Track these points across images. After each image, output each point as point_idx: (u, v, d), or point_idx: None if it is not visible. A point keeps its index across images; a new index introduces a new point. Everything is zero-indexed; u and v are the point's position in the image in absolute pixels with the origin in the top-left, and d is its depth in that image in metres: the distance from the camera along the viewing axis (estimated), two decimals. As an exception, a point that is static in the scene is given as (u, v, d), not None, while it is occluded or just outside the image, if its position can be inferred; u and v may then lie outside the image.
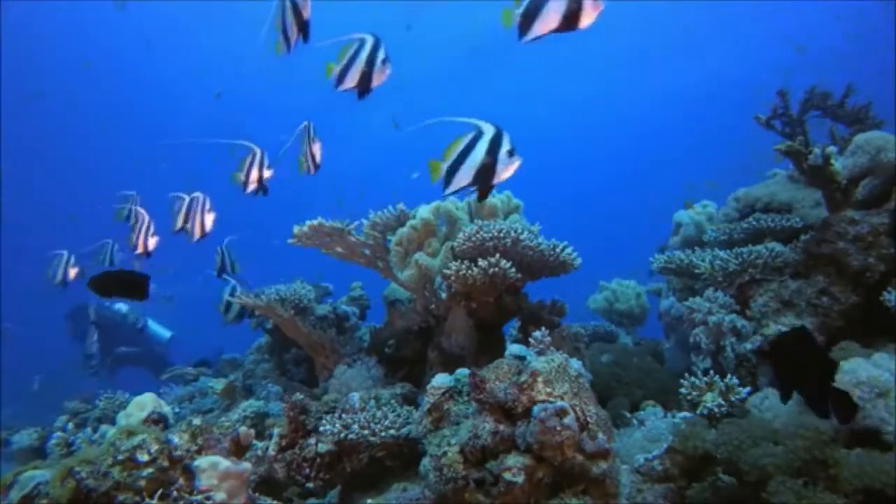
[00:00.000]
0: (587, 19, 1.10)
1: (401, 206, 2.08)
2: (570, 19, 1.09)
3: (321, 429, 1.55)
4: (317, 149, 1.68)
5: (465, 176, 1.21)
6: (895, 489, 0.98)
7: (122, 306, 4.42)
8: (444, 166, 1.22)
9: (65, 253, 2.26)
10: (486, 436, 1.19)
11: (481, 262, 1.73)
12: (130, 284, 1.68)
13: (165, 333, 4.57)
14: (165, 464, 0.98)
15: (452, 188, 1.24)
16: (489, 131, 1.20)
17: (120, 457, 0.95)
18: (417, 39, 11.34)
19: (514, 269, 1.74)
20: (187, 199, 1.86)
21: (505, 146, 1.20)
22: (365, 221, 2.06)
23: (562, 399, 1.17)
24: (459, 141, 1.22)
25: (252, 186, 1.76)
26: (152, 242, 1.92)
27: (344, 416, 1.59)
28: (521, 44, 1.15)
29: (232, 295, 2.31)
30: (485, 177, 1.21)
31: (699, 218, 2.50)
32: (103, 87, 11.40)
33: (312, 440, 1.57)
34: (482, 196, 1.28)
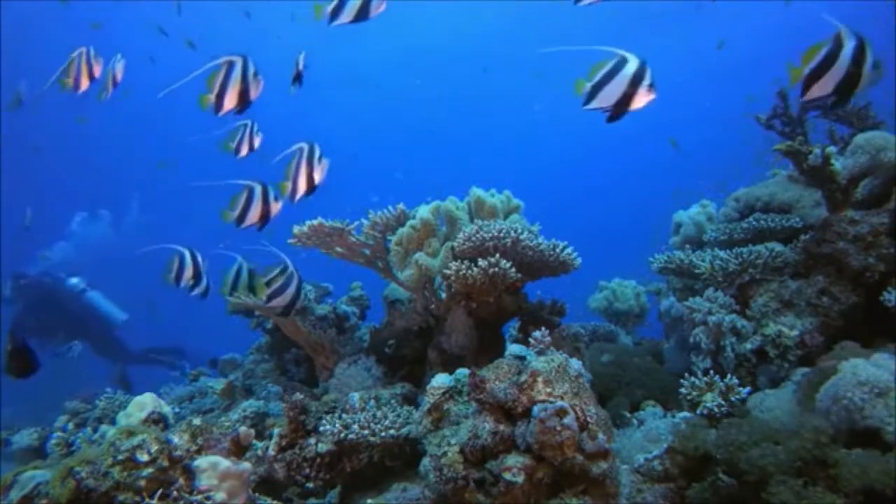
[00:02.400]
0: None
1: (401, 206, 2.08)
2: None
3: (321, 429, 1.55)
4: (319, 171, 1.65)
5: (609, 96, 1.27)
6: (895, 489, 0.98)
7: (73, 279, 4.26)
8: (588, 85, 1.28)
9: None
10: (486, 436, 1.19)
11: (481, 262, 1.73)
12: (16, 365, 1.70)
13: (120, 314, 4.35)
14: (165, 464, 0.98)
15: (595, 104, 1.29)
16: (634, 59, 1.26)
17: (120, 457, 0.95)
18: (410, 36, 11.36)
19: (514, 269, 1.74)
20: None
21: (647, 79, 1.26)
22: (365, 221, 2.06)
23: (562, 399, 1.17)
24: (603, 64, 1.27)
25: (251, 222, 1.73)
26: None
27: (344, 416, 1.59)
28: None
29: (238, 275, 2.26)
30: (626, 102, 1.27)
31: (699, 218, 2.50)
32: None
33: (312, 440, 1.57)
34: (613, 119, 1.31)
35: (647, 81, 1.27)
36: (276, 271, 1.84)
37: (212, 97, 1.55)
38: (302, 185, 1.63)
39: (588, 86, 1.29)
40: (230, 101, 1.57)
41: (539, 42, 11.82)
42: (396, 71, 12.50)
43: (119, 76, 1.89)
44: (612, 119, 1.31)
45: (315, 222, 1.99)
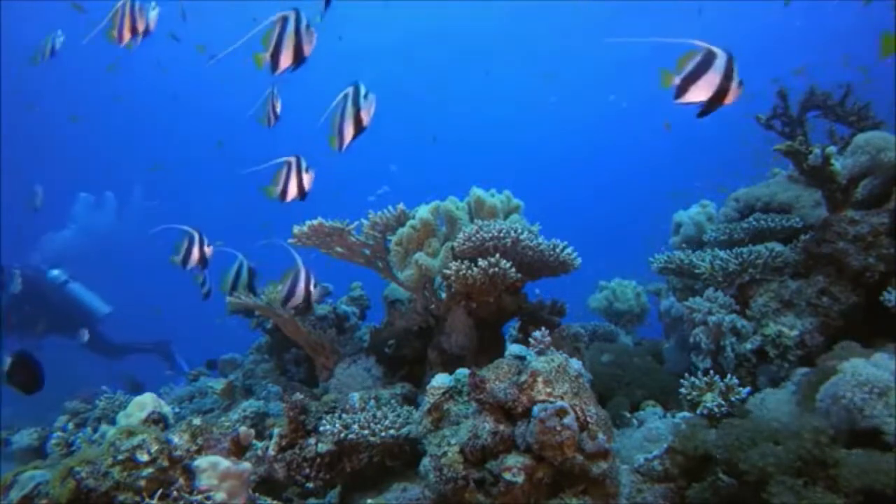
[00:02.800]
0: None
1: (401, 206, 2.08)
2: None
3: (321, 429, 1.55)
4: (366, 113, 1.54)
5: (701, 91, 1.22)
6: (895, 490, 0.98)
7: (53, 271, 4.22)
8: (678, 78, 1.22)
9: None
10: (486, 436, 1.19)
11: (481, 262, 1.73)
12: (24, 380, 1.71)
13: (102, 307, 4.32)
14: (165, 464, 0.98)
15: (688, 99, 1.24)
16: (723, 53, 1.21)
17: (120, 457, 0.95)
18: (426, 34, 11.36)
19: (514, 269, 1.74)
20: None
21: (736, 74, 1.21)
22: (365, 221, 2.06)
23: (562, 399, 1.17)
24: (691, 55, 1.22)
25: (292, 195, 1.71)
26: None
27: (344, 416, 1.59)
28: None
29: (238, 273, 2.24)
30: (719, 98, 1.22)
31: (699, 218, 2.50)
32: (104, 89, 11.40)
33: (312, 440, 1.58)
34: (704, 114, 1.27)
35: (737, 76, 1.22)
36: (290, 274, 1.85)
37: (267, 56, 1.49)
38: (349, 131, 1.53)
39: (678, 79, 1.23)
40: (286, 59, 1.50)
41: (540, 41, 11.83)
42: (396, 69, 12.49)
43: (153, 25, 1.85)
44: (703, 114, 1.27)
45: (315, 222, 1.99)
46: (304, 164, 1.67)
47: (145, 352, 4.53)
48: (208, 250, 1.98)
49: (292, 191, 1.68)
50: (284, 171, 1.68)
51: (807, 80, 2.40)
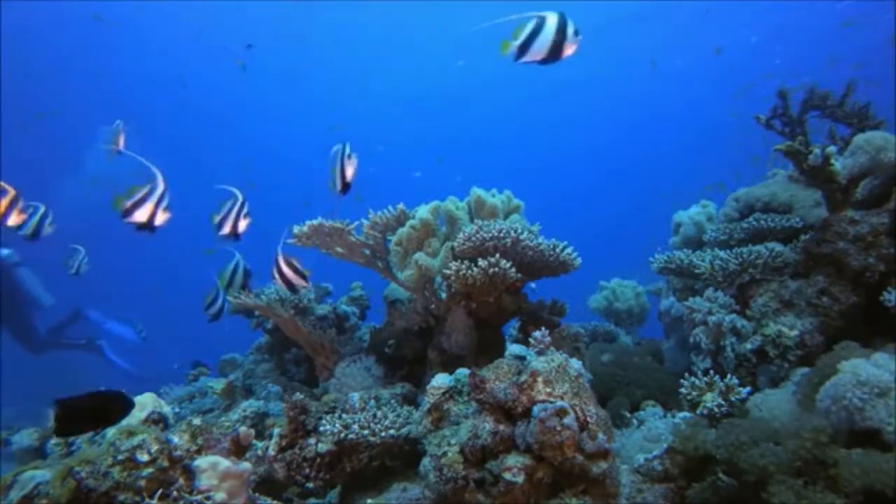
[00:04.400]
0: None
1: (401, 206, 2.08)
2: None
3: (321, 429, 1.56)
4: (350, 168, 1.66)
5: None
6: (895, 490, 0.98)
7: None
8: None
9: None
10: (485, 436, 1.19)
11: (481, 262, 1.73)
12: (105, 409, 1.41)
13: (47, 298, 4.14)
14: (165, 464, 0.98)
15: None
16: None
17: (120, 457, 0.95)
18: (416, 39, 11.38)
19: (514, 269, 1.74)
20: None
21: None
22: (365, 221, 2.06)
23: (562, 399, 1.17)
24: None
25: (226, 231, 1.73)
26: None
27: (344, 416, 1.59)
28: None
29: (235, 271, 2.20)
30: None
31: (699, 218, 2.50)
32: (104, 88, 11.40)
33: (312, 440, 1.58)
34: None
35: None
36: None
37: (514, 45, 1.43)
38: (339, 183, 1.67)
39: None
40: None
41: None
42: (400, 67, 12.51)
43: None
44: None
45: (315, 222, 1.99)
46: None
47: (77, 349, 4.39)
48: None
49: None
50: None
51: (811, 79, 2.40)
